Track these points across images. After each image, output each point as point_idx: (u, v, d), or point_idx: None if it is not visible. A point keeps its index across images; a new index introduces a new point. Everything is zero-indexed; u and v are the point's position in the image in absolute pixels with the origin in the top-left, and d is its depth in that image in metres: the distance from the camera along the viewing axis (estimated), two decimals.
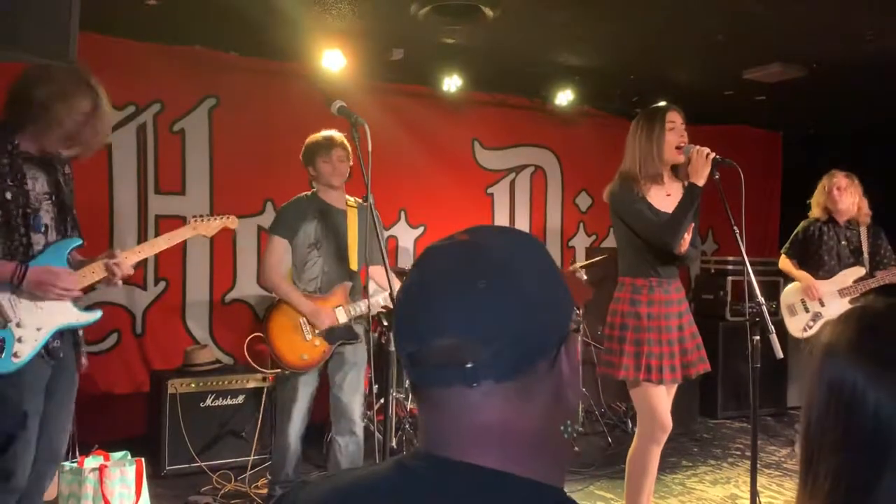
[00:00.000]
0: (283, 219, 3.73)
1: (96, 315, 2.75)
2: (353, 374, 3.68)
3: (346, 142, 3.70)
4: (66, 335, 2.69)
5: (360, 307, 3.69)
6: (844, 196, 4.75)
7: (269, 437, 4.38)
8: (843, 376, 0.93)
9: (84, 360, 2.78)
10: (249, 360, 4.46)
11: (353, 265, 3.74)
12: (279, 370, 3.78)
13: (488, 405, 0.81)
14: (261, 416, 4.47)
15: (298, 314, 3.63)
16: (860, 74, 5.23)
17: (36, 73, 2.55)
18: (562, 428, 0.86)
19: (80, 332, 2.77)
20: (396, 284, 3.64)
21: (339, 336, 3.67)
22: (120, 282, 2.77)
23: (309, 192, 3.79)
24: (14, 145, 2.57)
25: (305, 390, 3.66)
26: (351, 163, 3.74)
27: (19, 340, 2.52)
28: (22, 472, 2.55)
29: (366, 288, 3.85)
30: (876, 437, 0.90)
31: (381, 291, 3.75)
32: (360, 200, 3.80)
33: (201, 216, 3.11)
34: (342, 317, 3.66)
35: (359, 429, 3.68)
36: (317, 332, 3.64)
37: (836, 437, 0.93)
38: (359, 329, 3.74)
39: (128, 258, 2.79)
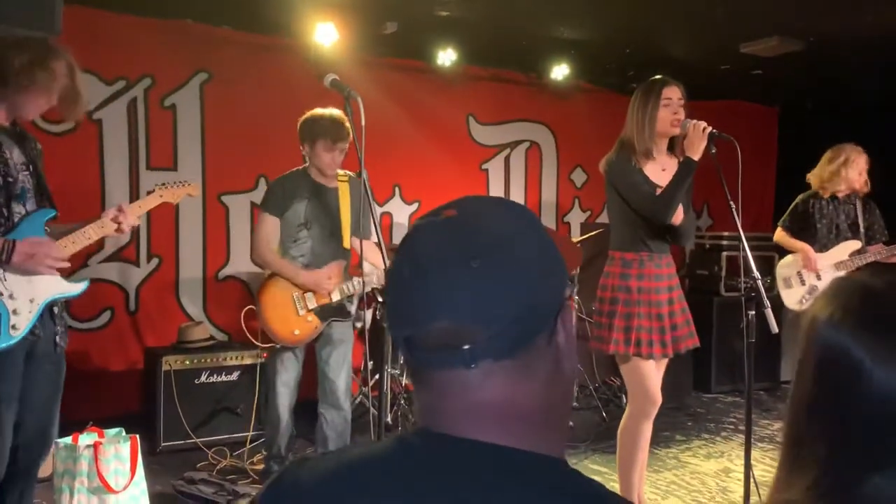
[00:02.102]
0: (274, 196, 3.69)
1: (84, 284, 2.73)
2: (341, 350, 3.72)
3: (351, 131, 3.53)
4: (45, 314, 2.63)
5: (353, 285, 3.67)
6: (865, 170, 4.76)
7: (265, 413, 4.38)
8: (846, 356, 0.89)
9: (60, 340, 2.71)
10: (248, 334, 4.44)
11: (346, 244, 3.72)
12: (271, 345, 3.79)
13: (488, 384, 0.81)
14: (256, 392, 4.47)
15: (292, 289, 3.63)
16: (858, 48, 5.19)
17: (6, 44, 2.50)
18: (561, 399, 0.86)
19: (56, 310, 2.70)
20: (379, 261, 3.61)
21: (331, 313, 3.68)
22: (127, 229, 2.77)
23: (300, 169, 3.73)
24: None
25: (290, 365, 3.71)
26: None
27: (14, 313, 2.49)
28: (0, 458, 2.52)
29: (359, 265, 3.82)
30: (878, 419, 0.86)
31: (375, 271, 3.70)
32: (351, 173, 3.76)
33: (164, 184, 3.11)
34: (335, 294, 3.66)
35: (345, 403, 3.74)
36: (310, 307, 3.65)
37: (830, 420, 0.90)
38: (350, 307, 3.75)
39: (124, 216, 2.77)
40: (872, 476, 0.86)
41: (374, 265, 3.71)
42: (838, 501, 0.87)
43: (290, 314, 3.63)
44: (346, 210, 3.70)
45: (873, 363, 0.87)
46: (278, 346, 3.71)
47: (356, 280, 3.67)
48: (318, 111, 3.63)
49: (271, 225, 3.67)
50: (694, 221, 3.38)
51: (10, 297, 2.49)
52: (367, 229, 3.63)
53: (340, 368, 3.71)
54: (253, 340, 4.45)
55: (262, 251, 3.67)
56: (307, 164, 3.71)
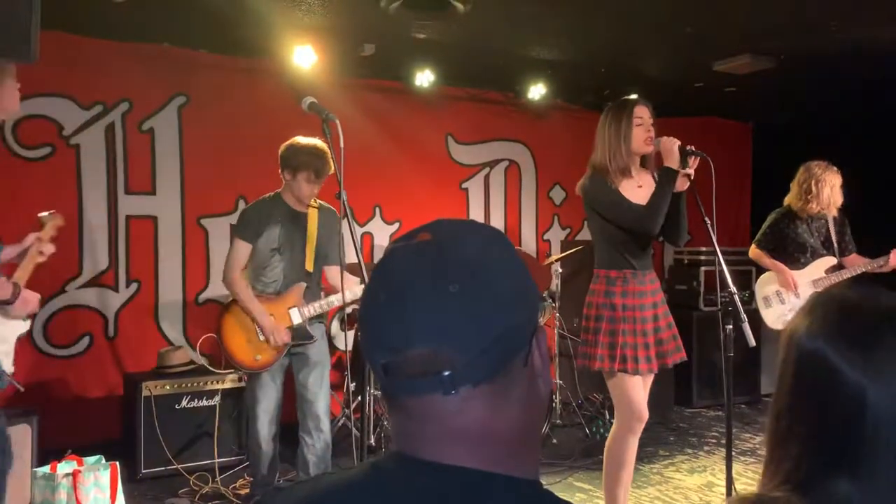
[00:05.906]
0: (248, 222, 3.71)
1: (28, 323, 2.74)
2: (318, 372, 3.72)
3: (330, 154, 3.53)
4: None
5: (315, 308, 3.70)
6: (836, 186, 4.82)
7: (246, 438, 4.35)
8: (823, 363, 0.94)
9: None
10: (203, 360, 4.43)
11: (309, 266, 3.74)
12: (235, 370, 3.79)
13: (466, 410, 0.80)
14: (237, 417, 4.44)
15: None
16: (828, 65, 5.29)
17: None
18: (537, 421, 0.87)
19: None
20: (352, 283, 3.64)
21: (293, 337, 3.68)
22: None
23: (275, 193, 3.75)
24: None
25: (268, 391, 3.69)
26: None
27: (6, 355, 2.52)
28: None
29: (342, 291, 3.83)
30: (850, 423, 0.92)
31: (337, 293, 3.70)
32: (324, 203, 3.82)
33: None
34: (296, 318, 3.67)
35: (325, 426, 3.72)
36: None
37: (805, 421, 0.96)
38: (315, 329, 3.75)
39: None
40: (840, 478, 0.92)
41: (335, 288, 3.74)
42: (807, 495, 0.93)
43: (251, 339, 3.66)
44: (314, 235, 3.74)
45: (849, 370, 0.92)
46: (241, 371, 3.73)
47: (318, 303, 3.70)
48: (303, 141, 3.64)
49: (244, 251, 3.69)
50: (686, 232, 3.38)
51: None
52: (336, 256, 3.68)
53: (319, 390, 3.71)
54: (212, 369, 4.42)
55: (234, 279, 3.69)
56: (282, 189, 3.72)
